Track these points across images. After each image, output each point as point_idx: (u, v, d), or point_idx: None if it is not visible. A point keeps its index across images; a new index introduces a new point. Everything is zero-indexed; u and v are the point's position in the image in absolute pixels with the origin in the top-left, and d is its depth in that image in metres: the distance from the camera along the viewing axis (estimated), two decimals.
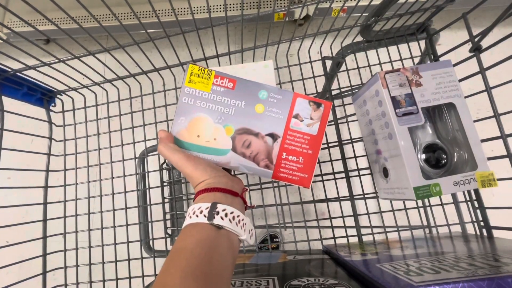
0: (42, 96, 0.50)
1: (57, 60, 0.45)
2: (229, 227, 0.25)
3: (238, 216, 0.26)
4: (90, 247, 0.47)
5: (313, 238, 0.47)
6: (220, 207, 0.25)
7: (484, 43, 0.41)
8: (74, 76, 0.49)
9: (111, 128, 0.51)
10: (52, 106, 0.51)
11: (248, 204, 0.32)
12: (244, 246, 0.48)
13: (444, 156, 0.39)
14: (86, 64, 0.47)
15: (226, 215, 0.25)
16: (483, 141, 0.38)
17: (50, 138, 0.50)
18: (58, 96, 0.52)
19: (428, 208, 0.48)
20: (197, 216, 0.25)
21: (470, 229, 0.46)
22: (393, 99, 0.39)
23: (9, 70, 0.42)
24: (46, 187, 0.48)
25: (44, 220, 0.46)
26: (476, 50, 0.43)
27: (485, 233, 0.45)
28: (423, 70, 0.40)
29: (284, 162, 0.34)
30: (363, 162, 0.50)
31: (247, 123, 0.33)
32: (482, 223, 0.45)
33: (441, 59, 0.50)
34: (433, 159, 0.40)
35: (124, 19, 0.99)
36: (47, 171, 0.48)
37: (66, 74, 0.48)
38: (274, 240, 0.86)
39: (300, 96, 0.35)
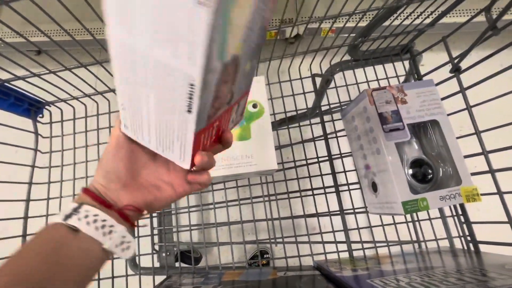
0: (30, 107, 0.49)
1: (47, 71, 0.45)
2: (85, 230, 0.22)
3: (103, 221, 0.23)
4: None
5: (303, 254, 0.46)
6: (84, 208, 0.23)
7: (465, 64, 0.44)
8: (64, 87, 0.48)
9: (100, 140, 0.51)
10: (40, 117, 0.50)
11: (134, 224, 0.27)
12: (234, 262, 0.47)
13: (430, 171, 0.40)
14: (78, 76, 0.47)
15: (86, 216, 0.22)
16: (465, 157, 0.40)
17: (36, 150, 0.48)
18: (47, 107, 0.52)
19: (417, 223, 0.49)
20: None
21: (458, 243, 0.47)
22: (380, 115, 0.40)
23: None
24: (28, 200, 0.46)
25: (24, 235, 0.44)
26: (456, 71, 0.45)
27: (472, 248, 0.45)
28: (408, 88, 0.41)
29: None
30: (352, 177, 0.50)
31: None
32: (468, 238, 0.46)
33: (424, 78, 0.52)
34: (419, 174, 0.41)
35: None
36: (30, 183, 0.47)
37: (56, 86, 0.47)
38: (265, 256, 0.85)
39: None
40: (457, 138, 0.40)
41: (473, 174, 0.39)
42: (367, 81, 0.53)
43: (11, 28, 0.37)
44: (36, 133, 0.49)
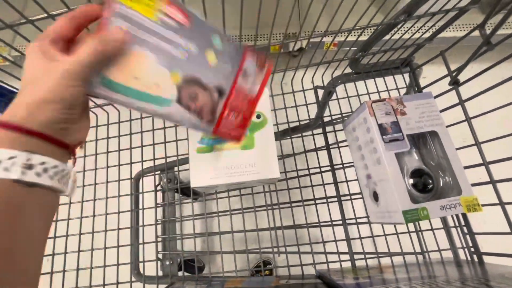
0: None
1: None
2: (50, 185, 0.19)
3: (62, 170, 0.20)
4: (78, 269, 0.46)
5: (306, 263, 0.46)
6: (36, 159, 0.19)
7: (465, 76, 0.45)
8: None
9: (109, 149, 0.52)
10: None
11: (74, 158, 0.24)
12: (236, 270, 0.47)
13: (430, 181, 0.41)
14: None
15: (45, 170, 0.19)
16: (466, 167, 0.40)
17: None
18: None
19: (420, 234, 0.49)
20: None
21: (462, 255, 0.47)
22: (380, 126, 0.41)
23: (17, 91, 0.44)
24: None
25: None
26: (455, 83, 0.47)
27: (476, 259, 0.45)
28: (407, 101, 0.43)
29: (225, 119, 0.31)
30: (354, 187, 0.51)
31: (197, 71, 0.28)
32: (472, 249, 0.46)
33: (424, 90, 0.54)
34: (420, 184, 0.41)
35: None
36: None
37: None
38: (267, 266, 0.84)
39: (250, 51, 0.31)
40: (459, 148, 0.41)
41: (474, 184, 0.40)
42: (368, 93, 0.54)
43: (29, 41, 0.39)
44: None
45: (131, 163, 0.52)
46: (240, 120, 0.33)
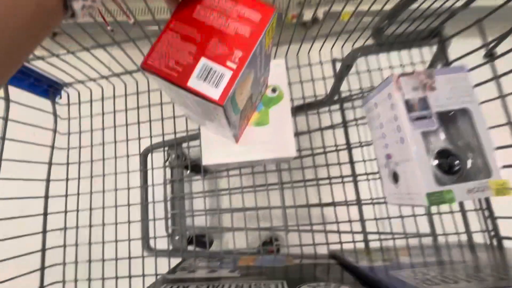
0: (48, 88, 0.49)
1: (65, 52, 0.44)
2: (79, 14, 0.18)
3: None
4: (90, 243, 0.46)
5: (319, 243, 0.45)
6: None
7: (498, 51, 0.41)
8: (81, 69, 0.48)
9: (117, 123, 0.51)
10: (58, 98, 0.51)
11: None
12: (248, 248, 0.46)
13: (457, 162, 0.38)
14: (95, 56, 0.47)
15: None
16: (497, 148, 0.37)
17: (55, 131, 0.49)
18: (65, 88, 0.52)
19: (436, 216, 0.47)
20: None
21: (477, 238, 0.45)
22: (406, 102, 0.38)
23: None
24: (48, 180, 0.47)
25: (45, 214, 0.45)
26: (490, 56, 0.42)
27: (495, 243, 0.44)
28: (438, 74, 0.39)
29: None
30: (368, 167, 0.49)
31: (255, 88, 0.32)
32: (492, 233, 0.44)
33: (453, 65, 0.49)
34: (445, 165, 0.39)
35: (139, 14, 0.99)
36: (50, 163, 0.47)
37: (73, 66, 0.47)
38: (275, 243, 0.85)
39: None
40: (489, 128, 0.38)
41: (505, 167, 0.37)
42: (391, 67, 0.50)
43: None
44: (55, 114, 0.49)
45: (139, 138, 0.50)
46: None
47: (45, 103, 0.50)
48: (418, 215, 0.46)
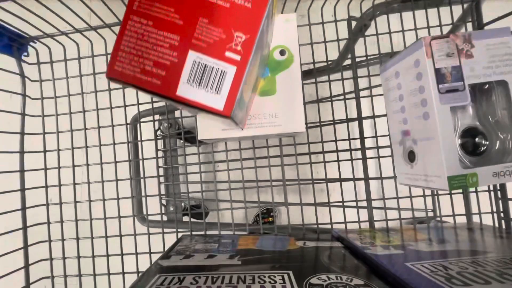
0: (11, 42, 0.41)
1: None
2: None
3: None
4: (76, 220, 0.43)
5: (322, 222, 0.43)
6: None
7: None
8: (51, 20, 0.40)
9: (98, 88, 0.44)
10: (24, 55, 0.43)
11: None
12: (248, 226, 0.44)
13: (484, 142, 0.35)
14: (66, 5, 0.38)
15: None
16: None
17: (24, 95, 0.42)
18: (31, 43, 0.44)
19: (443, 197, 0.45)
20: None
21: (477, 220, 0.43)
22: (437, 71, 0.33)
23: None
24: (22, 152, 0.41)
25: (22, 189, 0.41)
26: None
27: (503, 226, 0.42)
28: (477, 39, 0.33)
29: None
30: (369, 142, 0.45)
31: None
32: (502, 215, 0.42)
33: (486, 28, 0.43)
34: (470, 144, 0.35)
35: None
36: (22, 133, 0.42)
37: (39, 16, 0.39)
38: (271, 214, 0.84)
39: None
40: None
41: None
42: (416, 29, 0.44)
43: None
44: (22, 75, 0.42)
45: (125, 105, 0.44)
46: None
47: (9, 61, 0.42)
48: (428, 195, 0.43)
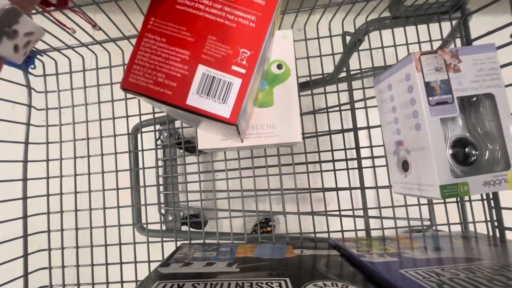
0: None
1: (35, 11, 0.38)
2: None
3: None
4: (77, 228, 0.43)
5: (319, 230, 0.44)
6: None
7: None
8: (58, 34, 0.42)
9: (101, 99, 0.45)
10: (31, 68, 0.44)
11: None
12: (246, 235, 0.44)
13: (474, 152, 0.36)
14: (73, 21, 0.40)
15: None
16: None
17: (29, 106, 0.43)
18: (38, 56, 0.45)
19: (440, 206, 0.46)
20: None
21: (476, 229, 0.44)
22: (427, 85, 0.34)
23: None
24: (25, 161, 0.42)
25: (25, 198, 0.42)
26: None
27: (497, 234, 0.43)
28: (464, 54, 0.35)
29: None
30: (366, 152, 0.46)
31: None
32: (496, 223, 0.43)
33: (474, 43, 0.45)
34: (461, 154, 0.36)
35: None
36: (26, 143, 0.43)
37: (47, 31, 0.40)
38: (270, 223, 0.85)
39: None
40: None
41: None
42: (407, 44, 0.46)
43: None
44: (28, 86, 0.44)
45: (127, 116, 0.45)
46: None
47: (17, 74, 0.44)
48: (423, 204, 0.44)
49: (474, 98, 0.36)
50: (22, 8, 0.14)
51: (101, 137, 0.45)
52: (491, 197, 0.44)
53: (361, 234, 0.45)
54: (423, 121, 0.34)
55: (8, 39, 0.14)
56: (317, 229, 0.44)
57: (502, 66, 0.38)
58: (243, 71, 0.18)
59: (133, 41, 0.46)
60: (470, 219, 0.45)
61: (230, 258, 0.35)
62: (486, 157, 0.36)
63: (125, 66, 0.47)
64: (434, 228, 0.48)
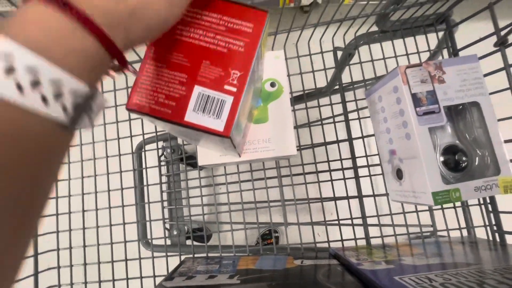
0: None
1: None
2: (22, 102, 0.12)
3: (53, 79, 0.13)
4: (84, 246, 0.45)
5: (319, 240, 0.45)
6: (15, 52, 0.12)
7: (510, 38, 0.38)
8: None
9: (106, 121, 0.48)
10: None
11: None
12: (248, 245, 0.46)
13: (464, 159, 0.37)
14: None
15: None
16: (506, 141, 0.36)
17: None
18: None
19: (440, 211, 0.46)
20: None
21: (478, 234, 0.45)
22: (414, 96, 0.36)
23: None
24: None
25: None
26: (502, 44, 0.40)
27: (497, 239, 0.43)
28: (447, 66, 0.37)
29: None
30: (369, 162, 0.47)
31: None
32: (495, 227, 0.44)
33: (460, 53, 0.47)
34: (452, 161, 0.37)
35: None
36: None
37: None
38: (274, 235, 0.85)
39: None
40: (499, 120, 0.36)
41: None
42: (396, 56, 0.48)
43: None
44: None
45: (131, 136, 0.47)
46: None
47: None
48: (420, 210, 0.45)
49: (461, 107, 0.38)
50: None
51: (107, 156, 0.47)
52: (488, 201, 0.45)
53: (363, 242, 0.45)
54: (412, 131, 0.36)
55: (87, 116, 0.16)
56: (320, 239, 0.45)
57: (486, 74, 0.40)
58: (234, 89, 0.21)
59: (136, 65, 0.49)
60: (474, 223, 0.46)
61: (232, 270, 0.36)
62: (477, 163, 0.37)
63: (129, 89, 0.49)
64: (439, 233, 0.48)
